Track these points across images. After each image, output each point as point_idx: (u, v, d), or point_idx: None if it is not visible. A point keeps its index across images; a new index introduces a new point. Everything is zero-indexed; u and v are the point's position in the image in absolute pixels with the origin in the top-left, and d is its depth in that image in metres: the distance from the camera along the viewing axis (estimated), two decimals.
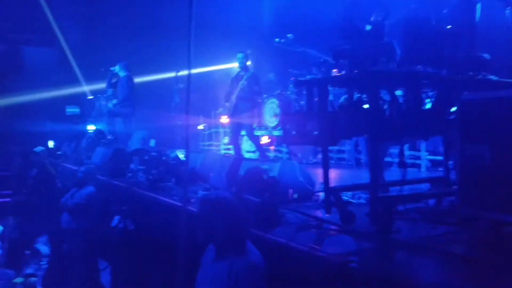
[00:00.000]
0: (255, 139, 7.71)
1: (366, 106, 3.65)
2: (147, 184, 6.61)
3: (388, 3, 3.76)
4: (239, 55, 7.33)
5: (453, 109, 3.85)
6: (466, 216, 3.46)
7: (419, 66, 3.83)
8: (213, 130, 11.44)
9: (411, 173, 5.78)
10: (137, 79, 9.90)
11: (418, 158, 7.62)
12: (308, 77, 7.26)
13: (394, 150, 6.59)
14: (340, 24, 3.76)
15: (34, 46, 12.96)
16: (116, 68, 9.27)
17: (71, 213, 6.96)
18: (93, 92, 12.23)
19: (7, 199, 8.70)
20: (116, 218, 6.49)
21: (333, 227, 3.82)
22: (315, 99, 3.94)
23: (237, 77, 7.41)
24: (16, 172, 8.99)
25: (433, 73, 3.87)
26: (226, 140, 10.83)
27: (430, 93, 4.28)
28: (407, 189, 4.21)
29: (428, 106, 4.07)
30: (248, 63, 7.52)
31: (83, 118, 12.08)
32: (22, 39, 12.68)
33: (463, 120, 3.23)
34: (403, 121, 3.71)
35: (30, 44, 12.85)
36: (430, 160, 7.51)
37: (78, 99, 12.87)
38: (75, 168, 8.30)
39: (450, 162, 4.54)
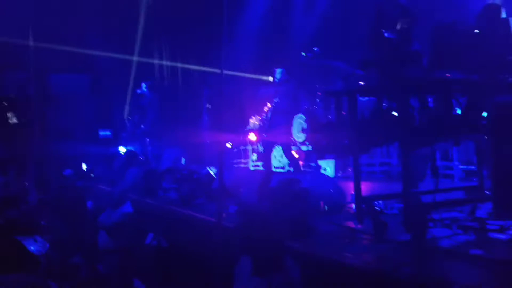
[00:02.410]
0: (290, 154, 7.65)
1: (396, 113, 3.65)
2: (180, 202, 6.70)
3: (414, 11, 3.78)
4: (278, 70, 7.30)
5: (485, 114, 3.81)
6: (502, 221, 3.40)
7: (448, 72, 3.82)
8: (241, 147, 11.51)
9: (444, 183, 5.70)
10: (166, 99, 10.09)
11: (451, 168, 7.48)
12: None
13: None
14: (367, 34, 3.79)
15: (65, 73, 13.32)
16: (143, 88, 9.45)
17: (109, 232, 7.08)
18: (126, 113, 12.51)
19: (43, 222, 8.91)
20: (150, 236, 6.58)
21: (366, 236, 3.80)
22: (344, 110, 3.97)
23: (274, 92, 7.40)
24: (48, 196, 9.23)
25: (463, 79, 3.84)
26: (254, 157, 10.89)
27: (461, 99, 4.25)
28: (440, 198, 4.15)
29: (459, 111, 4.04)
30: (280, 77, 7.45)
31: (115, 140, 12.36)
32: (52, 67, 13.09)
33: (496, 123, 3.20)
34: (434, 126, 3.69)
35: (60, 72, 13.22)
36: (464, 170, 7.36)
37: (110, 122, 13.18)
38: (109, 189, 8.48)
39: (484, 171, 4.46)
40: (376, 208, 4.33)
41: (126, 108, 12.47)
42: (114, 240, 7.08)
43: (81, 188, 8.87)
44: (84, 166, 11.93)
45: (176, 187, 7.30)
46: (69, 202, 8.51)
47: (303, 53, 7.84)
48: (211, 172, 7.25)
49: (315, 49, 7.71)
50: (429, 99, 3.88)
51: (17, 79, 12.92)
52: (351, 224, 4.26)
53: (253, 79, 12.39)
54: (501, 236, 3.50)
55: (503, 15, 3.98)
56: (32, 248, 4.68)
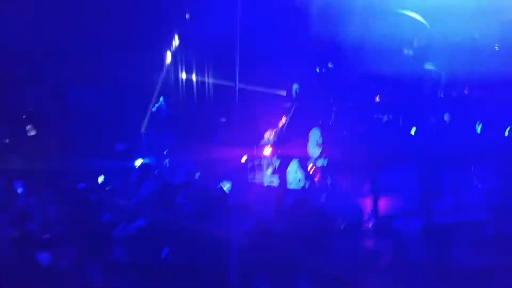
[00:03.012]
0: (305, 169, 7.59)
1: (412, 131, 3.60)
2: (194, 217, 6.68)
3: (431, 28, 3.73)
4: (295, 85, 7.34)
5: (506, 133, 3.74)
6: None
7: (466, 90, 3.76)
8: (256, 162, 11.47)
9: (466, 200, 5.59)
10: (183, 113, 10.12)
11: (471, 185, 7.33)
12: None
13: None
14: (382, 50, 3.76)
15: (82, 87, 13.44)
16: (161, 102, 9.48)
17: (122, 246, 7.08)
18: (143, 127, 12.58)
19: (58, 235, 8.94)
20: (164, 251, 6.56)
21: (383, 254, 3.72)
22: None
23: (290, 107, 7.41)
24: (66, 209, 9.27)
25: (481, 97, 3.78)
26: (269, 171, 10.83)
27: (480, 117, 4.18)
28: (461, 216, 4.07)
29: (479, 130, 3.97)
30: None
31: (131, 154, 12.41)
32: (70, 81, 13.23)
33: None
34: (451, 146, 3.63)
35: (78, 86, 13.34)
36: (484, 188, 7.20)
37: (126, 135, 13.25)
38: (124, 202, 8.50)
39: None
40: (395, 226, 4.25)
41: (144, 122, 12.54)
42: (128, 254, 7.08)
43: (94, 202, 8.91)
44: (100, 179, 11.99)
45: (190, 202, 7.29)
46: (83, 215, 8.58)
47: (317, 69, 7.84)
48: (225, 188, 7.22)
49: (330, 64, 7.69)
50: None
51: (36, 92, 13.12)
52: (368, 243, 4.19)
53: (268, 93, 12.40)
54: None
55: None
56: (48, 261, 4.69)
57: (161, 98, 9.49)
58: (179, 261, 6.45)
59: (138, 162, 11.66)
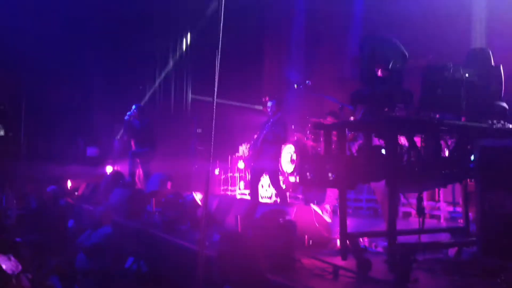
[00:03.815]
0: (277, 184, 7.62)
1: (384, 151, 3.66)
2: (163, 226, 6.60)
3: (407, 51, 3.83)
4: (269, 103, 7.40)
5: (472, 157, 3.83)
6: (487, 266, 3.37)
7: (437, 113, 3.85)
8: (229, 174, 11.47)
9: (430, 224, 5.67)
10: (156, 123, 10.08)
11: (437, 209, 7.48)
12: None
13: (412, 200, 6.49)
14: (359, 71, 3.83)
15: (56, 87, 13.19)
16: (133, 110, 9.41)
17: (87, 253, 6.94)
18: (114, 133, 12.46)
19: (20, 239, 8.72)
20: (130, 260, 6.45)
21: (349, 274, 3.75)
22: (333, 143, 3.98)
23: (265, 122, 7.46)
24: (30, 211, 9.06)
25: (452, 121, 3.88)
26: (242, 185, 10.83)
27: (449, 141, 4.28)
28: (425, 238, 4.13)
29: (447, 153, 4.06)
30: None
31: (103, 159, 12.25)
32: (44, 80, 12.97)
33: (483, 167, 3.21)
34: (421, 167, 3.70)
35: (53, 85, 13.08)
36: (449, 212, 7.35)
37: (97, 140, 13.09)
38: (92, 208, 8.35)
39: (470, 214, 4.46)
40: (361, 245, 4.28)
41: (117, 128, 12.41)
42: (92, 261, 6.93)
43: (62, 206, 8.73)
44: (69, 184, 11.77)
45: (161, 210, 7.21)
46: (49, 219, 8.38)
47: (295, 85, 7.93)
48: (197, 198, 7.17)
49: (307, 81, 7.79)
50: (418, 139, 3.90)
51: (8, 89, 12.84)
52: (335, 260, 4.21)
53: (244, 108, 12.48)
54: (486, 282, 3.46)
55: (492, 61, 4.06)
56: (4, 266, 4.54)
57: (134, 106, 9.42)
58: (145, 271, 6.35)
59: (109, 168, 11.53)
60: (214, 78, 4.01)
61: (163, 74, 13.16)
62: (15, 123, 12.96)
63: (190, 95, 12.91)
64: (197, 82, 12.73)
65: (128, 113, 9.38)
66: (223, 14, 4.00)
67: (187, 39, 12.97)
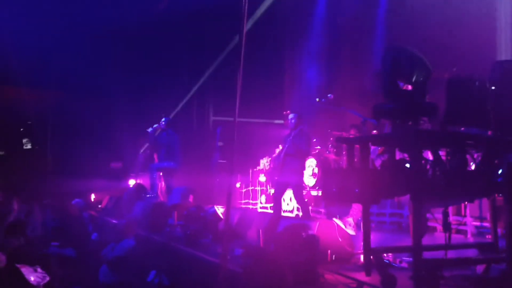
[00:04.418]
0: (300, 199, 7.56)
1: (408, 165, 3.60)
2: (185, 240, 6.62)
3: (430, 63, 3.79)
4: (291, 116, 7.40)
5: (500, 171, 3.74)
6: None
7: (463, 127, 3.79)
8: (250, 188, 11.45)
9: (456, 239, 5.54)
10: (181, 135, 10.16)
11: (464, 224, 7.30)
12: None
13: (438, 215, 6.36)
14: (382, 84, 3.80)
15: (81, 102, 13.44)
16: (163, 122, 9.47)
17: (110, 266, 6.98)
18: (138, 147, 12.62)
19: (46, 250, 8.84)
20: (152, 273, 6.46)
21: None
22: (356, 157, 3.94)
23: (287, 136, 7.46)
24: (55, 224, 9.18)
25: (478, 135, 3.81)
26: (263, 198, 10.80)
27: (476, 154, 4.19)
28: (452, 254, 4.03)
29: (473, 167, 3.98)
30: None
31: (126, 173, 12.39)
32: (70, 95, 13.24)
33: (511, 181, 3.13)
34: (447, 181, 3.62)
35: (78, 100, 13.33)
36: (476, 227, 7.17)
37: (121, 154, 13.26)
38: (116, 221, 8.42)
39: (499, 229, 4.34)
40: (385, 260, 4.21)
41: (140, 142, 12.57)
42: (115, 274, 6.97)
43: (86, 219, 8.83)
44: (92, 197, 11.94)
45: (182, 224, 7.23)
46: (73, 232, 8.48)
47: (317, 99, 7.92)
48: (218, 212, 7.18)
49: (329, 95, 7.77)
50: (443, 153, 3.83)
51: (35, 105, 13.16)
52: (358, 275, 4.14)
53: (265, 122, 12.52)
54: None
55: None
56: (31, 278, 4.61)
57: (163, 118, 9.48)
58: (166, 284, 6.36)
59: (132, 181, 11.65)
60: (236, 97, 4.03)
61: (186, 98, 13.39)
62: (42, 137, 13.25)
63: (211, 118, 13.11)
64: (219, 104, 12.94)
65: (155, 125, 9.45)
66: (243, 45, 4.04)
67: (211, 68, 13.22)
